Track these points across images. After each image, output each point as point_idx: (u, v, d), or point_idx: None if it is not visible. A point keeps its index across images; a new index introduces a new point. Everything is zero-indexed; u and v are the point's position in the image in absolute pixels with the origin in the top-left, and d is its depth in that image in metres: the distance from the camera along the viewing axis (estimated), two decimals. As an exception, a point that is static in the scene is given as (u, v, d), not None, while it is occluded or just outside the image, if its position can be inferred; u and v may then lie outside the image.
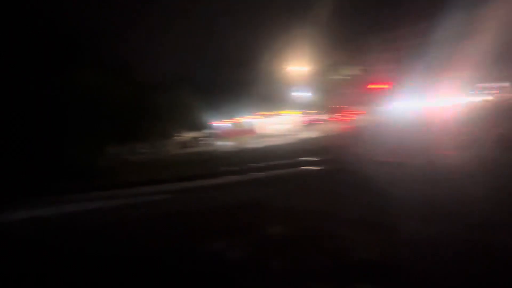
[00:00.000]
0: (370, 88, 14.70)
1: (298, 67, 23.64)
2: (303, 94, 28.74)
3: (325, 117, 30.06)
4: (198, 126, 31.15)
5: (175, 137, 31.15)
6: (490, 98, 25.33)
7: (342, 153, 7.48)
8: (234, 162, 9.38)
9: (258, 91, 29.66)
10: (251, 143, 18.87)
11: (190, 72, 29.14)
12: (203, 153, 17.54)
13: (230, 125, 30.88)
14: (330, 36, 21.28)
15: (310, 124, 29.38)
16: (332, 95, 25.42)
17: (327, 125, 25.36)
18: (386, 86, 14.02)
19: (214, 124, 32.67)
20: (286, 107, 29.62)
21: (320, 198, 3.82)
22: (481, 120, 10.09)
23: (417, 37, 16.35)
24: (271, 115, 29.97)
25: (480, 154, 4.87)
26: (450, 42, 16.65)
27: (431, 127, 10.66)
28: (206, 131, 31.83)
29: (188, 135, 32.36)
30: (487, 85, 25.93)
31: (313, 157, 7.31)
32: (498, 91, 25.52)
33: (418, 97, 24.75)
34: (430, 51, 17.63)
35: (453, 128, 9.43)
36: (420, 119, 14.89)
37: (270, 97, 29.57)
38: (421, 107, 23.00)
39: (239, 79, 28.82)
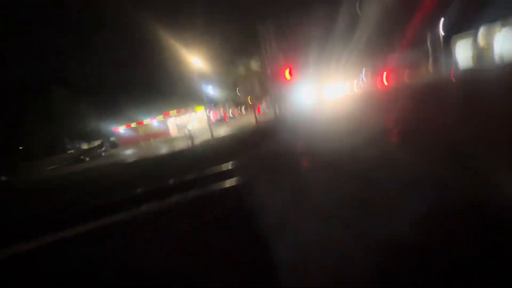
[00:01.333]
0: (275, 81, 14.45)
1: (206, 62, 22.08)
2: (216, 90, 27.52)
3: (239, 112, 29.73)
4: (93, 134, 25.98)
5: (63, 153, 25.18)
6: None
7: (258, 154, 6.56)
8: (111, 188, 7.24)
9: (166, 89, 26.88)
10: (158, 148, 16.48)
11: (67, 72, 23.67)
12: (85, 171, 14.31)
13: (135, 129, 27.13)
14: (233, 29, 20.47)
15: (224, 120, 28.54)
16: (242, 90, 24.97)
17: (240, 120, 24.93)
18: (289, 79, 13.88)
19: (116, 131, 28.14)
20: (199, 104, 27.83)
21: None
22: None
23: (315, 28, 16.72)
24: (183, 114, 27.65)
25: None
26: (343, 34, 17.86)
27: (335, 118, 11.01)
28: (105, 140, 27.06)
29: (82, 147, 26.87)
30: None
31: (225, 163, 5.99)
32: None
33: (317, 89, 26.77)
34: (328, 44, 18.62)
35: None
36: (323, 111, 15.56)
37: (181, 94, 27.16)
38: (321, 98, 24.89)
39: (141, 77, 25.23)
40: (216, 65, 23.93)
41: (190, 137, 12.66)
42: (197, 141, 13.35)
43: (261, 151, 6.81)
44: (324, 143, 6.11)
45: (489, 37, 20.23)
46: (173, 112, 26.76)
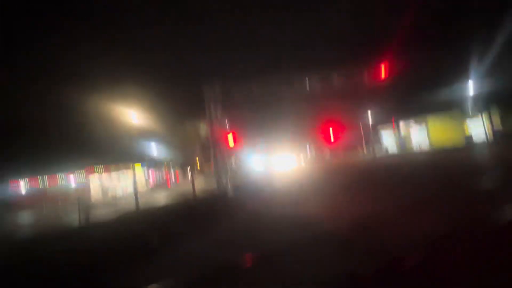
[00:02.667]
0: (223, 146, 13.14)
1: (145, 118, 19.96)
2: (155, 149, 24.85)
3: (183, 175, 26.95)
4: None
5: None
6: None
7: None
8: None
9: (93, 139, 22.58)
10: (67, 217, 12.09)
11: None
12: None
13: (41, 187, 21.42)
14: (181, 87, 19.73)
15: (162, 185, 25.09)
16: (186, 152, 23.18)
17: (180, 186, 22.13)
18: (237, 145, 12.82)
19: (13, 186, 21.71)
20: (133, 162, 24.20)
21: None
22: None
23: (264, 98, 16.59)
24: (112, 172, 23.44)
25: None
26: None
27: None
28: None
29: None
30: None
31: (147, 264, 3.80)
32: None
33: (266, 157, 26.69)
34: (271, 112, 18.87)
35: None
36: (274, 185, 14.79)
37: (111, 148, 23.07)
38: (271, 169, 24.59)
39: (56, 118, 20.71)
40: (161, 123, 22.10)
41: (84, 209, 9.08)
42: (113, 212, 10.26)
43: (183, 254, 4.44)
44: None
45: (406, 130, 25.98)
46: (99, 168, 22.51)
